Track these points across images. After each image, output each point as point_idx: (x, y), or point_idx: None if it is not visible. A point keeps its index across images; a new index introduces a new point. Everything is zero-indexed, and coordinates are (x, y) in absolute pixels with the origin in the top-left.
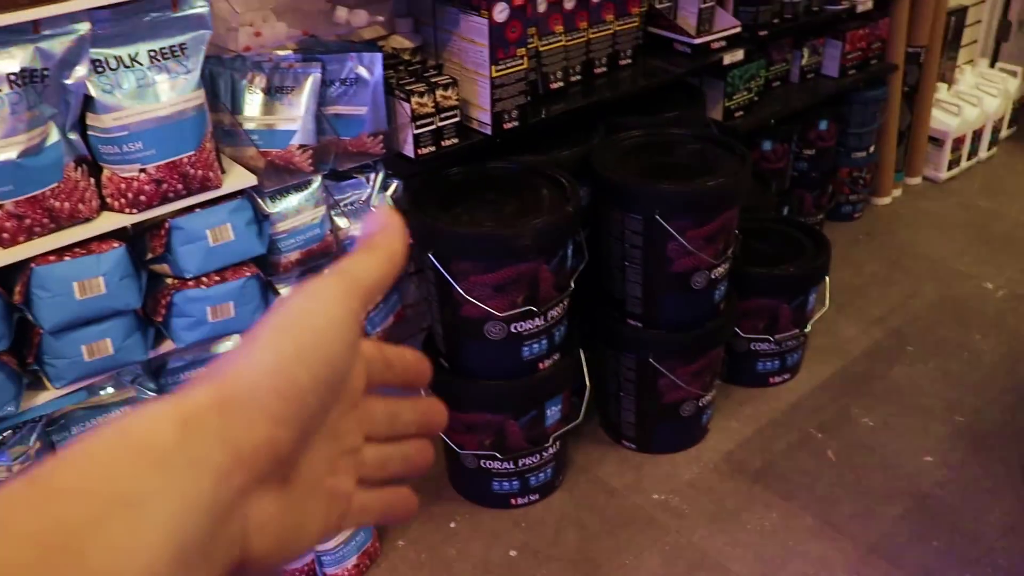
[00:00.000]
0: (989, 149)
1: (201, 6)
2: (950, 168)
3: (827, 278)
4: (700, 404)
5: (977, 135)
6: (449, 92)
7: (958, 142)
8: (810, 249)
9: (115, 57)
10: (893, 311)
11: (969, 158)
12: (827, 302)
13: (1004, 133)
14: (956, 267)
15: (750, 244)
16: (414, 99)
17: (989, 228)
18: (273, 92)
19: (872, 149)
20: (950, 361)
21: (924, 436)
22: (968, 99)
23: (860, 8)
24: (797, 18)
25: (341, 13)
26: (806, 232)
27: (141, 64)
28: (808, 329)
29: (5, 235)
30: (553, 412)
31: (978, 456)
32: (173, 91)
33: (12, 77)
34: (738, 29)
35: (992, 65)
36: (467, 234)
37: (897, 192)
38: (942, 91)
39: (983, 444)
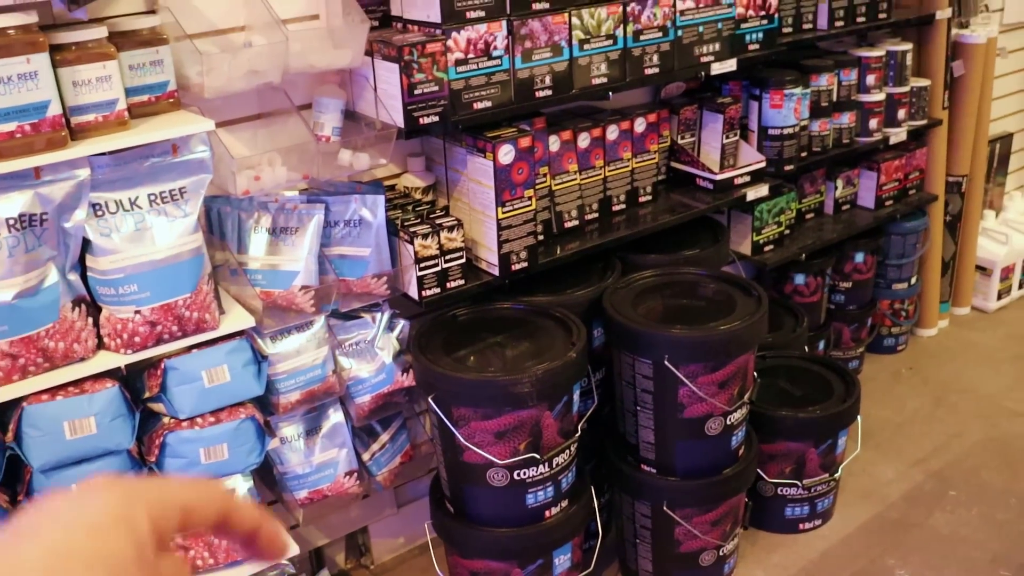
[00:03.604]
0: None
1: (202, 151)
2: (1000, 298)
3: (858, 420)
4: (721, 553)
5: None
6: (454, 234)
7: (1007, 271)
8: (839, 390)
9: (115, 201)
10: (935, 452)
11: (1020, 287)
12: (859, 446)
13: None
14: (1005, 404)
15: (776, 384)
16: (417, 241)
17: None
18: (278, 232)
19: (914, 280)
20: (996, 508)
21: None
22: (1017, 227)
23: (894, 139)
24: (826, 151)
25: (344, 156)
26: (836, 371)
27: (140, 207)
28: (838, 474)
29: None
30: (562, 561)
31: None
32: (170, 235)
33: (11, 221)
34: (763, 164)
35: None
36: (465, 379)
37: (943, 323)
38: (989, 219)
39: None
